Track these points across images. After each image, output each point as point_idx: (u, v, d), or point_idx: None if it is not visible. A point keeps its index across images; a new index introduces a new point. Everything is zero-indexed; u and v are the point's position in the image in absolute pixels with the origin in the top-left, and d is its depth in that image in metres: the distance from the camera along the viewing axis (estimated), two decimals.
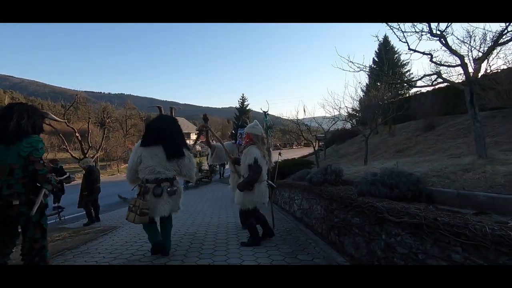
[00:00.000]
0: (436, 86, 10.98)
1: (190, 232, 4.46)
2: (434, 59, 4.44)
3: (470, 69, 4.41)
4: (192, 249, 3.53)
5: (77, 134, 17.11)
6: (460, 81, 4.95)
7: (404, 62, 28.71)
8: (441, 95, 13.42)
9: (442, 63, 4.31)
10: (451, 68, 4.54)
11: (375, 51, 30.62)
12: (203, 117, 4.07)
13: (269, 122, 5.20)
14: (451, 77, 4.51)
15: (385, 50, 28.58)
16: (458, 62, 4.32)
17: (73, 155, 18.91)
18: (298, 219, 5.54)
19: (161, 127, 3.35)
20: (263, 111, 5.28)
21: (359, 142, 17.64)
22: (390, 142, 13.54)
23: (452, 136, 10.31)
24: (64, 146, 18.28)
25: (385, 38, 28.82)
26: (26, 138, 2.48)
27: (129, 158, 3.41)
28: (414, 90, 25.81)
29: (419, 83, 4.99)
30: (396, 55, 28.17)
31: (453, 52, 4.22)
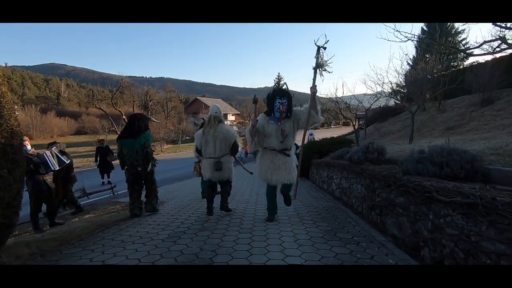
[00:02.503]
0: (498, 55, 9.77)
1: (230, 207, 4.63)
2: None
3: None
4: (232, 224, 3.68)
5: (123, 117, 18.27)
6: None
7: (459, 30, 25.78)
8: (503, 65, 11.91)
9: (509, 26, 3.75)
10: None
11: (421, 27, 27.88)
12: (253, 99, 3.74)
13: (321, 59, 3.67)
14: None
15: (428, 26, 25.86)
16: None
17: None
18: (337, 198, 5.45)
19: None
20: (318, 45, 3.63)
21: (403, 119, 16.58)
22: (439, 119, 12.50)
23: None
24: (113, 128, 19.71)
25: None
26: (143, 133, 4.44)
27: (195, 140, 4.59)
28: (469, 61, 23.28)
29: (477, 52, 4.42)
30: (449, 22, 25.34)
31: None
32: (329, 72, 3.78)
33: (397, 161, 4.44)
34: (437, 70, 12.79)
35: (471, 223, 2.13)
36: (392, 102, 18.99)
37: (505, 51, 4.27)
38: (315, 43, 3.71)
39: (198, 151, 4.34)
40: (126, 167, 4.43)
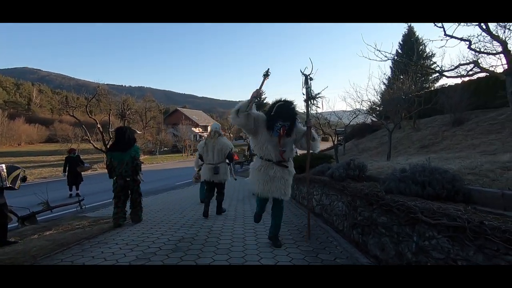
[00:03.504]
0: (467, 79, 10.31)
1: (207, 225, 4.38)
2: (472, 46, 4.05)
3: None
4: (208, 244, 3.43)
5: (98, 125, 17.52)
6: (501, 71, 4.51)
7: (430, 54, 27.44)
8: (471, 88, 12.63)
9: (482, 50, 3.91)
10: (490, 56, 4.12)
11: (399, 43, 29.48)
12: (266, 71, 3.22)
13: (310, 90, 3.55)
14: (492, 67, 4.10)
15: (410, 41, 27.37)
16: (500, 49, 3.92)
17: (95, 145, 19.43)
18: (317, 215, 5.34)
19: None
20: (304, 75, 3.52)
21: (380, 137, 17.07)
22: (414, 137, 12.94)
23: (483, 131, 9.68)
24: (87, 137, 18.81)
25: (410, 29, 27.63)
26: (132, 146, 4.68)
27: (199, 149, 5.41)
28: (440, 83, 24.62)
29: (452, 74, 4.58)
30: (421, 47, 26.99)
31: (495, 37, 3.82)
32: (318, 107, 3.65)
33: (378, 178, 4.42)
34: (411, 90, 13.38)
35: (458, 247, 2.05)
36: (369, 120, 19.57)
37: (477, 74, 4.44)
38: (302, 73, 3.51)
39: (201, 157, 5.27)
40: (115, 177, 4.66)
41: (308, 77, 3.50)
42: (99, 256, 3.05)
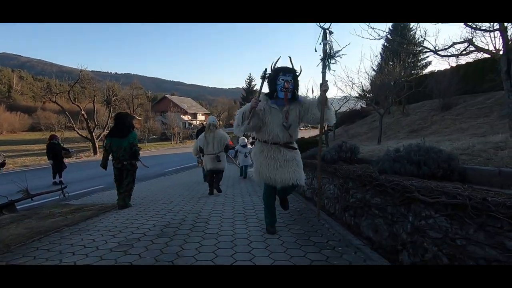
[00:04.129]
0: (455, 64, 10.28)
1: (195, 210, 4.22)
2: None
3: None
4: (196, 229, 3.28)
5: (82, 112, 16.91)
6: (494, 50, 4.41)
7: (420, 40, 27.41)
8: (460, 73, 12.67)
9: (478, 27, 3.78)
10: (486, 36, 4.01)
11: (389, 28, 29.35)
12: (263, 72, 3.00)
13: (329, 47, 3.08)
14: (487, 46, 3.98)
15: (400, 27, 27.24)
16: (496, 26, 3.80)
17: (80, 133, 18.82)
18: (308, 199, 5.26)
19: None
20: (323, 28, 3.02)
21: (370, 122, 17.12)
22: (404, 122, 12.99)
23: (472, 115, 9.75)
24: (70, 124, 18.16)
25: None
26: (130, 133, 4.84)
27: (197, 141, 6.26)
28: (429, 69, 24.75)
29: (446, 53, 4.46)
30: (411, 33, 26.99)
31: None
32: (338, 63, 3.17)
33: (370, 160, 4.33)
34: (401, 76, 13.35)
35: (456, 226, 1.96)
36: (359, 106, 19.57)
37: (470, 55, 4.34)
38: (320, 26, 2.99)
39: (201, 150, 5.84)
40: (113, 161, 4.86)
41: (328, 30, 3.00)
42: (78, 244, 2.86)
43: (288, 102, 2.91)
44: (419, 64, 29.55)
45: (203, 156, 5.95)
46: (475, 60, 13.96)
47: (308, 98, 3.14)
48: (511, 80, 3.97)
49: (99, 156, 18.58)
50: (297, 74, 3.00)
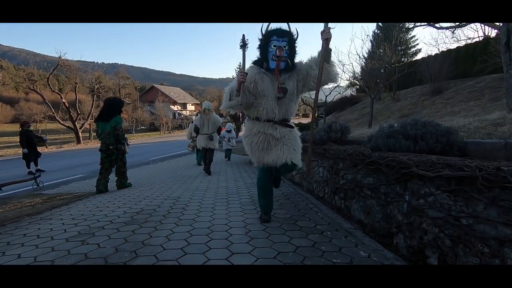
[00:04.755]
0: (445, 48, 10.03)
1: (174, 196, 3.90)
2: None
3: None
4: (170, 215, 2.96)
5: (63, 101, 16.15)
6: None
7: (409, 28, 27.37)
8: (451, 57, 12.52)
9: None
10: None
11: None
12: (242, 40, 2.57)
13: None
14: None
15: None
16: None
17: (62, 123, 18.06)
18: (296, 183, 5.00)
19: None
20: None
21: (360, 109, 16.97)
22: (394, 107, 12.83)
23: (462, 99, 9.60)
24: (52, 113, 17.38)
25: None
26: (114, 117, 4.79)
27: (193, 124, 7.41)
28: (419, 57, 24.72)
29: (443, 24, 4.17)
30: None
31: None
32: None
33: (361, 141, 4.08)
34: (391, 62, 13.15)
35: (461, 203, 1.69)
36: (349, 92, 19.36)
37: (466, 31, 4.03)
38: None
39: (197, 129, 6.48)
40: (101, 145, 4.88)
41: None
42: (32, 234, 2.51)
43: (280, 73, 2.47)
44: (409, 51, 29.54)
45: (196, 137, 6.82)
46: (466, 44, 13.87)
47: (304, 62, 2.63)
48: (510, 53, 3.71)
49: (82, 145, 17.96)
50: (294, 37, 2.49)
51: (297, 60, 2.59)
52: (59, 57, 16.33)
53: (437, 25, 4.13)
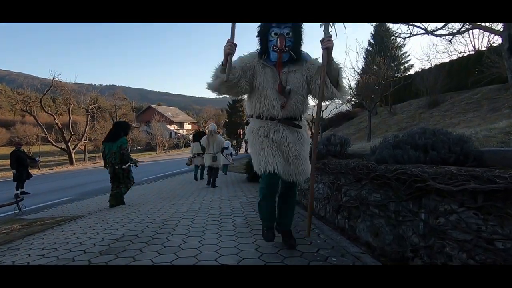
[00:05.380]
0: (439, 62, 10.03)
1: (161, 219, 3.56)
2: None
3: None
4: (154, 242, 2.62)
5: (56, 121, 15.90)
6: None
7: (401, 44, 28.16)
8: (445, 69, 12.57)
9: None
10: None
11: (371, 33, 29.96)
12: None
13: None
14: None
15: (382, 31, 27.65)
16: None
17: (54, 144, 17.71)
18: (295, 202, 4.67)
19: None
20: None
21: (357, 123, 16.87)
22: (391, 121, 12.71)
23: (460, 111, 9.48)
24: (44, 134, 17.07)
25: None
26: (120, 138, 5.21)
27: (196, 143, 8.42)
28: (412, 72, 25.13)
29: (441, 32, 4.04)
30: (392, 37, 27.61)
31: None
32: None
33: (362, 155, 3.82)
34: (387, 75, 13.20)
35: (493, 222, 1.41)
36: (344, 108, 19.36)
37: (468, 30, 3.90)
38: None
39: (203, 148, 7.18)
40: (107, 164, 5.25)
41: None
42: None
43: (283, 66, 2.09)
44: (401, 67, 30.12)
45: (200, 155, 7.94)
46: (458, 57, 13.99)
47: (315, 61, 2.21)
48: None
49: (75, 166, 17.52)
50: (300, 26, 2.10)
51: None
52: (53, 78, 16.25)
53: (436, 32, 4.00)
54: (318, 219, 3.45)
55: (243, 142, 19.16)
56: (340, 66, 2.17)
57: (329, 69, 2.08)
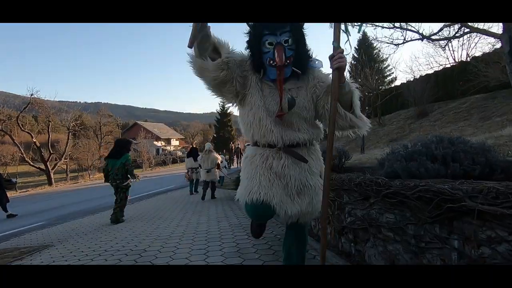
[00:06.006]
0: (424, 73, 10.08)
1: (140, 249, 3.07)
2: None
3: None
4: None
5: (34, 140, 15.10)
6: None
7: (384, 58, 28.85)
8: (431, 80, 12.72)
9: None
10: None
11: (355, 47, 30.62)
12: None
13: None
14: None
15: (365, 46, 28.33)
16: None
17: (32, 164, 16.76)
18: (306, 243, 4.27)
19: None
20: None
21: (346, 135, 16.76)
22: (381, 132, 12.62)
23: (450, 120, 9.44)
24: (21, 154, 16.15)
25: (364, 34, 28.67)
26: (123, 155, 5.49)
27: (191, 158, 9.24)
28: (396, 83, 25.66)
29: (437, 37, 3.88)
30: (375, 51, 28.34)
31: None
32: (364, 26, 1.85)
33: (363, 168, 3.50)
34: (373, 87, 13.26)
35: None
36: None
37: (465, 35, 3.74)
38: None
39: (200, 165, 8.35)
40: (109, 180, 5.40)
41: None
42: None
43: (285, 82, 1.57)
44: (385, 80, 30.78)
45: (196, 170, 8.90)
46: (443, 68, 14.23)
47: (324, 75, 1.68)
48: None
49: (54, 188, 16.54)
50: (302, 28, 1.60)
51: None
52: (31, 95, 15.52)
53: (433, 37, 3.84)
54: (318, 242, 3.05)
55: (235, 156, 19.01)
56: (354, 89, 1.62)
57: (340, 93, 1.55)
